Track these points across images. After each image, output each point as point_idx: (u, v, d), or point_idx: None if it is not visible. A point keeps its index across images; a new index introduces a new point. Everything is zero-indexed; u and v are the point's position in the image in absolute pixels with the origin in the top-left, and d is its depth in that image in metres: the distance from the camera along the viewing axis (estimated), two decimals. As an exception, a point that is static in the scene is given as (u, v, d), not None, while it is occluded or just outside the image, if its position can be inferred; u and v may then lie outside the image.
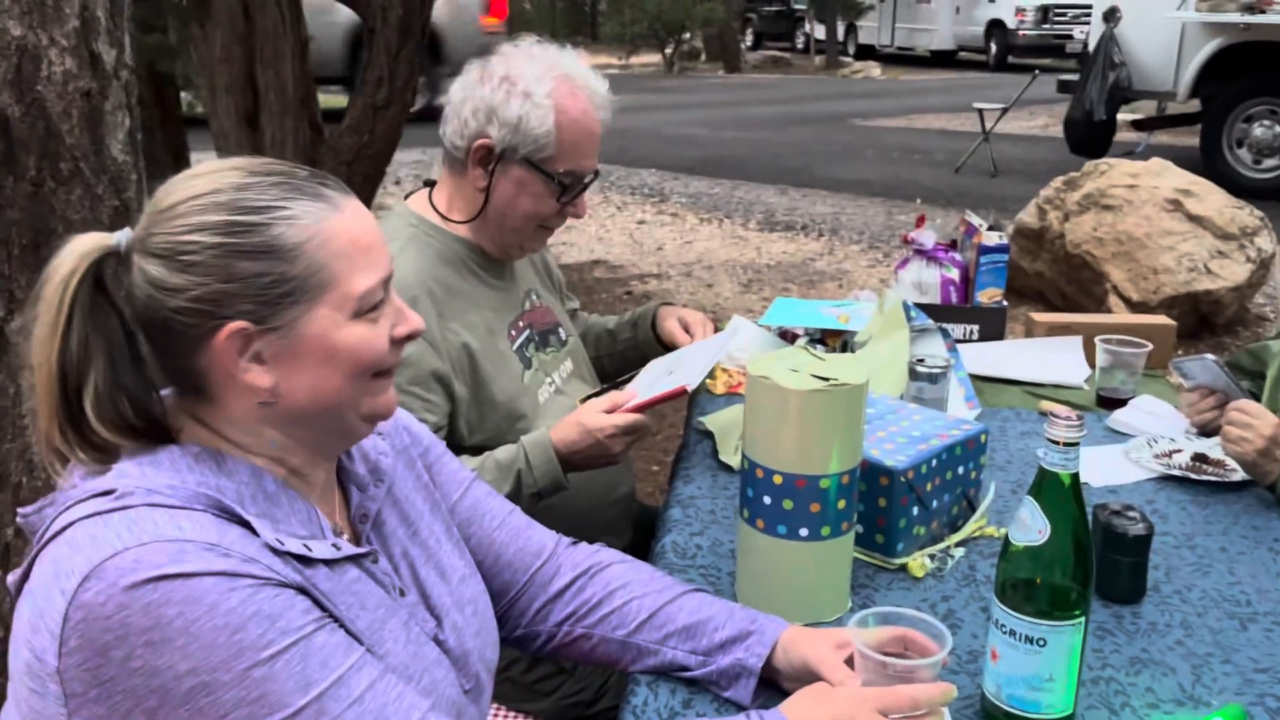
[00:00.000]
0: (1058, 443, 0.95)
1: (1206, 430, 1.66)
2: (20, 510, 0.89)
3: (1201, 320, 4.67)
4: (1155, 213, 4.74)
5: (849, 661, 1.00)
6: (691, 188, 8.39)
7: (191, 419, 0.90)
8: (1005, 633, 0.98)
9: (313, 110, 4.15)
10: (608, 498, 1.70)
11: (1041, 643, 0.96)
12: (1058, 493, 0.96)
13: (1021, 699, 0.98)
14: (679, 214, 7.55)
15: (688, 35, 21.57)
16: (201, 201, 0.86)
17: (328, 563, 0.90)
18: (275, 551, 0.84)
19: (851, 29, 22.19)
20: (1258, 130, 7.41)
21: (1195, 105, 8.00)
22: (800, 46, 23.63)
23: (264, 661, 0.78)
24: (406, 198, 1.68)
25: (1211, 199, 4.80)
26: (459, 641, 1.01)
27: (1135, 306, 4.61)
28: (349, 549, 0.93)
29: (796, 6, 24.41)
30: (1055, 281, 5.08)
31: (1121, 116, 8.34)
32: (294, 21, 4.10)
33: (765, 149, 10.17)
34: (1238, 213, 4.73)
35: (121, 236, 0.88)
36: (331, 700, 0.80)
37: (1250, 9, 7.20)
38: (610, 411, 1.45)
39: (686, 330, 1.81)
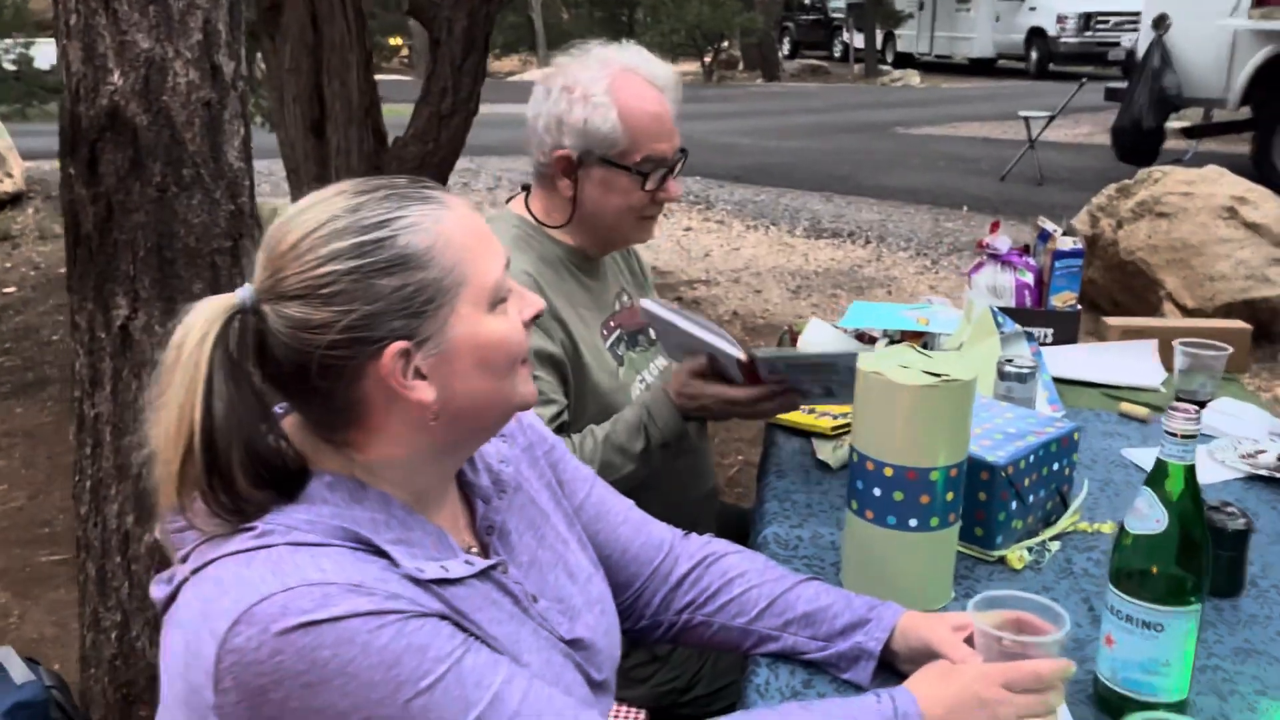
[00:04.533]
0: (1176, 435, 0.99)
1: None
2: (161, 527, 0.90)
3: (1260, 327, 4.64)
4: (1210, 220, 4.73)
5: (968, 642, 1.05)
6: (736, 195, 8.44)
7: (326, 445, 0.91)
8: (1122, 619, 1.02)
9: (377, 119, 4.24)
10: (692, 494, 1.75)
11: (1159, 628, 1.00)
12: (1174, 483, 1.00)
13: (1138, 682, 1.02)
14: (725, 221, 7.60)
15: (726, 44, 21.64)
16: (323, 232, 0.86)
17: (463, 580, 0.91)
18: (415, 581, 0.86)
19: (890, 37, 22.14)
20: (1310, 138, 7.34)
21: (1244, 113, 7.94)
22: (838, 55, 23.60)
23: (423, 692, 0.81)
24: (507, 201, 1.75)
25: (1267, 206, 4.78)
26: (591, 641, 1.04)
27: (1190, 314, 4.60)
28: (480, 563, 0.94)
29: (834, 15, 24.40)
30: (1108, 289, 5.07)
31: (1170, 124, 8.29)
32: (359, 33, 4.20)
33: (809, 156, 10.20)
34: (1295, 220, 4.71)
35: (244, 293, 0.87)
36: (492, 715, 0.83)
37: (1303, 16, 7.14)
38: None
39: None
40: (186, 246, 1.66)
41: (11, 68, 13.80)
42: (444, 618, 0.86)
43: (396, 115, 4.10)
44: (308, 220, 0.87)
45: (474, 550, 0.99)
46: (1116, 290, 5.04)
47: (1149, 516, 1.00)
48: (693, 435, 1.59)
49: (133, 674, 1.77)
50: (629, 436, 1.51)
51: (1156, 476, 1.01)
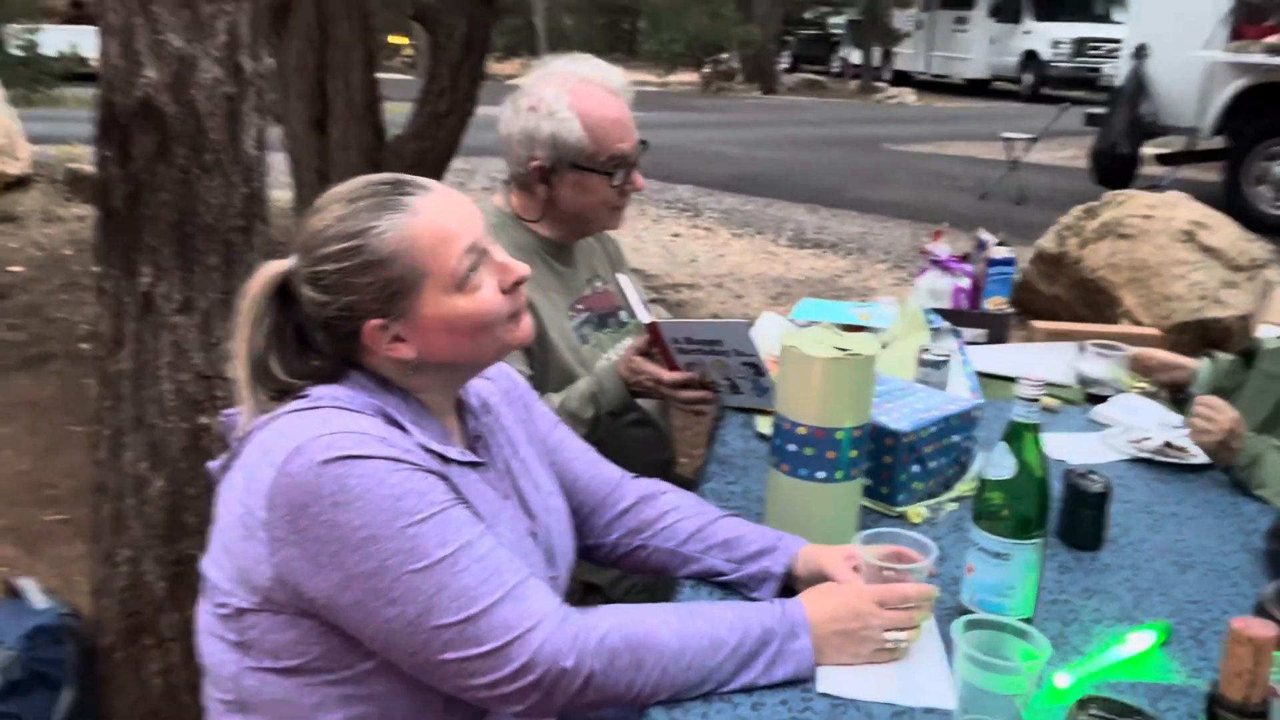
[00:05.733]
0: (1025, 399, 1.20)
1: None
2: (225, 411, 1.22)
3: (1211, 346, 4.87)
4: (1169, 242, 4.97)
5: (856, 571, 1.26)
6: (725, 203, 8.66)
7: (367, 356, 1.18)
8: (979, 550, 1.24)
9: (377, 116, 4.44)
10: (648, 459, 1.95)
11: (1006, 557, 1.22)
12: (1025, 440, 1.22)
13: (990, 604, 1.24)
14: (712, 228, 7.82)
15: (725, 56, 21.89)
16: (321, 235, 1.13)
17: (457, 464, 1.18)
18: (424, 449, 1.12)
19: (888, 55, 22.46)
20: (1279, 169, 7.61)
21: (1219, 141, 8.20)
22: (836, 71, 23.91)
23: (416, 523, 1.05)
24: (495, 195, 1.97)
25: (1224, 231, 5.02)
26: (547, 539, 1.28)
27: (1146, 330, 4.83)
28: (470, 457, 1.21)
29: (834, 31, 24.72)
30: (1071, 305, 5.30)
31: (1148, 150, 8.55)
32: (363, 34, 4.40)
33: (798, 169, 10.44)
34: (1248, 245, 4.95)
35: (291, 262, 1.16)
36: (463, 555, 1.06)
37: (1275, 50, 7.41)
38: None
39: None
40: (205, 224, 1.87)
41: (19, 53, 13.95)
42: (443, 478, 1.11)
43: (396, 113, 4.30)
44: (315, 222, 1.14)
45: (465, 452, 1.23)
46: (1079, 306, 5.27)
47: (1003, 466, 1.22)
48: (649, 409, 1.81)
49: (140, 605, 1.97)
50: (580, 404, 1.74)
51: (1010, 434, 1.22)
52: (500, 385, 1.37)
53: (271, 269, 1.17)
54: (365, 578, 1.03)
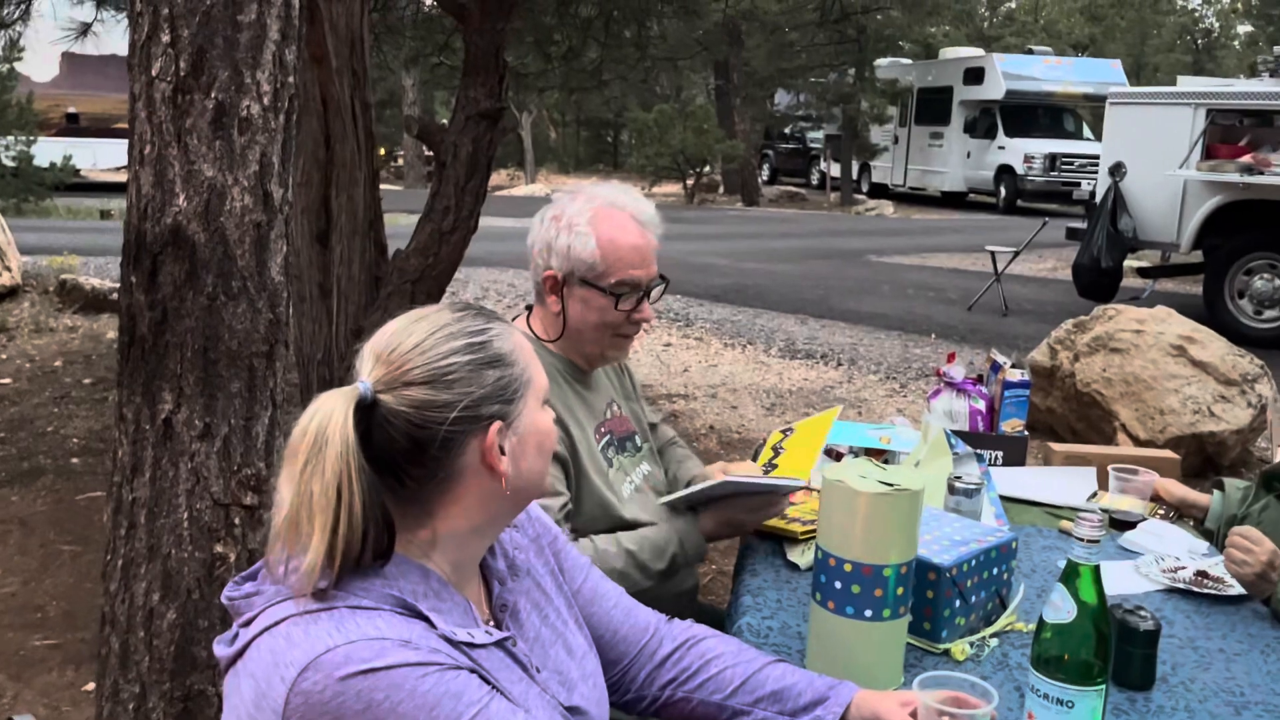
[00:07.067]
0: (1084, 540, 1.19)
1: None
2: (227, 592, 1.09)
3: (1207, 460, 4.90)
4: (1160, 357, 5.03)
5: (913, 715, 1.22)
6: (715, 314, 8.74)
7: (453, 497, 1.09)
8: (1040, 696, 1.21)
9: (379, 232, 4.49)
10: (674, 590, 1.92)
11: (1070, 705, 1.19)
12: (1083, 581, 1.20)
13: (1054, 752, 1.20)
14: (704, 338, 7.88)
15: (708, 169, 22.42)
16: (440, 334, 1.09)
17: (484, 646, 1.10)
18: (449, 641, 1.03)
19: (865, 168, 23.07)
20: (1258, 283, 7.78)
21: (1198, 255, 8.40)
22: (815, 183, 24.50)
23: None
24: (514, 320, 1.97)
25: (1213, 346, 5.09)
26: (586, 710, 1.21)
27: (1142, 444, 4.84)
28: (496, 634, 1.12)
29: (813, 145, 25.41)
30: (1066, 418, 5.33)
31: (1128, 263, 8.74)
32: (368, 152, 4.48)
33: (785, 280, 10.58)
34: (1239, 360, 5.02)
35: (363, 387, 1.06)
36: None
37: (1249, 170, 7.65)
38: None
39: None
40: (229, 350, 1.86)
41: (11, 164, 14.12)
42: (473, 671, 1.03)
43: (390, 225, 4.36)
44: (422, 327, 1.09)
45: (490, 624, 1.17)
46: (1074, 419, 5.30)
47: (1062, 609, 1.20)
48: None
49: (145, 744, 1.89)
50: (653, 556, 1.75)
51: (1068, 575, 1.21)
52: (529, 533, 1.31)
53: (338, 400, 1.03)
54: None
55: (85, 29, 6.49)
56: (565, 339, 1.87)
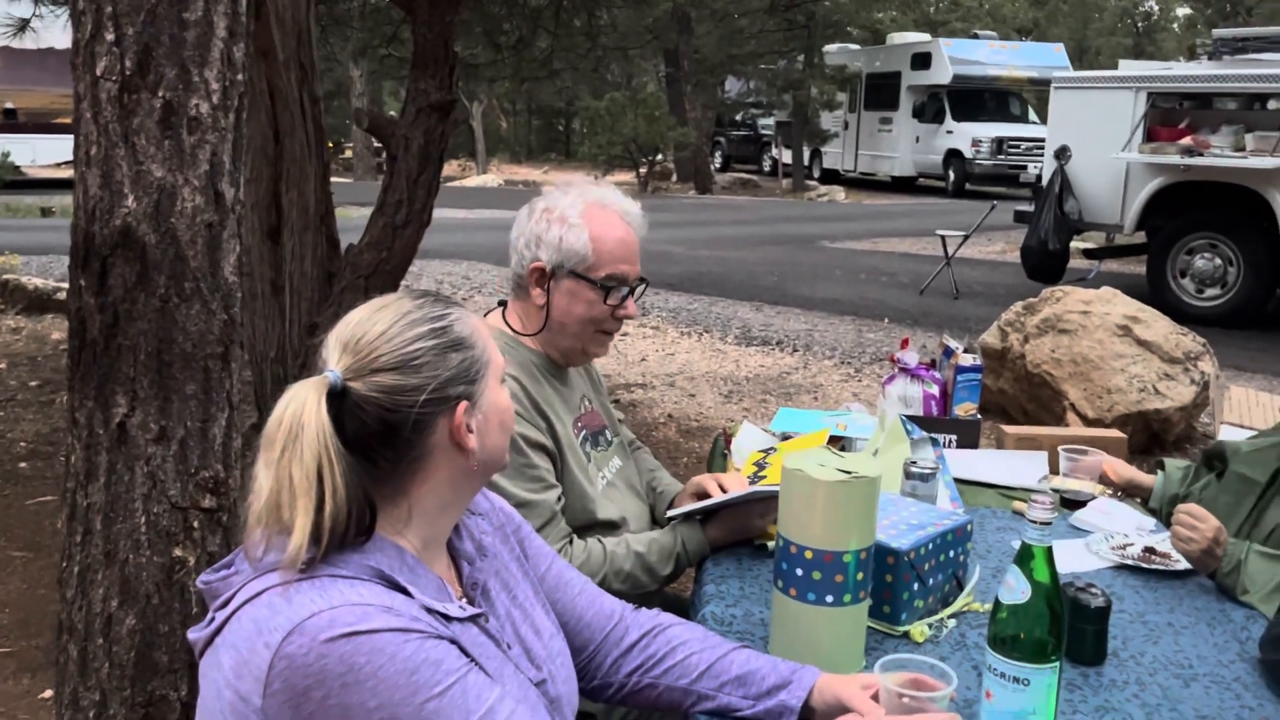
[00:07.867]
0: (1037, 522, 1.22)
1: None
2: (203, 577, 1.10)
3: (1153, 437, 5.02)
4: (1107, 337, 5.14)
5: (874, 697, 1.25)
6: (671, 303, 8.77)
7: (424, 475, 1.13)
8: (997, 675, 1.24)
9: (331, 226, 4.45)
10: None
11: (1026, 682, 1.22)
12: (1037, 562, 1.23)
13: (1011, 729, 1.23)
14: (660, 327, 7.90)
15: (660, 157, 22.41)
16: (404, 321, 1.12)
17: (459, 620, 1.12)
18: (429, 611, 1.06)
19: (816, 154, 23.22)
20: (1199, 262, 7.96)
21: (1141, 236, 8.58)
22: (767, 170, 24.61)
23: (435, 696, 1.00)
24: (485, 316, 1.97)
25: (1157, 325, 5.21)
26: (554, 687, 1.23)
27: (1091, 423, 4.95)
28: (470, 610, 1.15)
29: (764, 132, 25.52)
30: (1017, 398, 5.43)
31: (1074, 245, 8.90)
32: (318, 146, 4.43)
33: (739, 267, 10.64)
34: (1182, 339, 5.14)
35: (332, 376, 1.08)
36: None
37: (1189, 151, 7.81)
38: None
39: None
40: (183, 352, 1.83)
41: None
42: (452, 641, 1.06)
43: (341, 218, 4.32)
44: (385, 316, 1.13)
45: (463, 601, 1.19)
46: (1025, 400, 5.40)
47: (1016, 590, 1.23)
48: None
49: (107, 751, 1.87)
50: (660, 560, 1.78)
51: (1022, 557, 1.24)
52: (493, 521, 1.33)
53: (309, 390, 1.05)
54: None
55: (24, 25, 6.34)
56: (546, 333, 1.87)
